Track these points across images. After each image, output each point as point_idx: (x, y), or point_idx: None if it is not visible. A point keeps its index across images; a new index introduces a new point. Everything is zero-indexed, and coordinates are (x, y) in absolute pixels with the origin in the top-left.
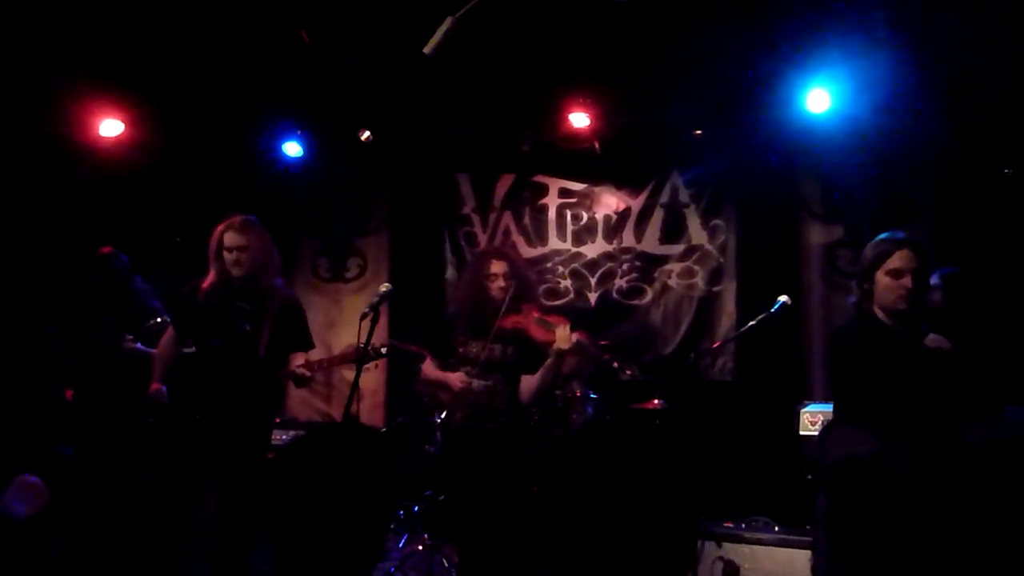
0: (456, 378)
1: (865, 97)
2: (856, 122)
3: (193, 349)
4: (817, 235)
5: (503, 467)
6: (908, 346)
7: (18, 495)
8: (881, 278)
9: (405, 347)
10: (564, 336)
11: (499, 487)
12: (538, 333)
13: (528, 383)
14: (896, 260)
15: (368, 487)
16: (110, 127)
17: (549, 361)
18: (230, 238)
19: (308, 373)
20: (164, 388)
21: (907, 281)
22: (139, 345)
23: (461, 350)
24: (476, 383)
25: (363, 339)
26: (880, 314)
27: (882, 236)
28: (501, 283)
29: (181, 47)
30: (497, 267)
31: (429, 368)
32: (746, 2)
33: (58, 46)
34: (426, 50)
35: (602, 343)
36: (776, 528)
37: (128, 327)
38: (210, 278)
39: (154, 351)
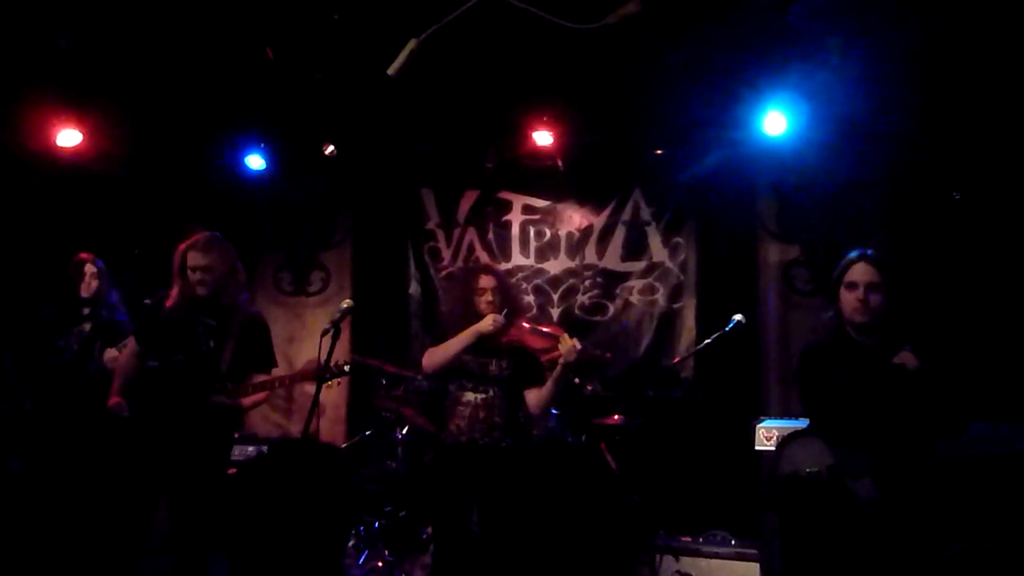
0: (487, 321)
1: (820, 120)
2: (812, 144)
3: (156, 363)
4: (774, 254)
5: (494, 484)
6: (873, 361)
7: None
8: (842, 292)
9: (367, 362)
10: (568, 347)
11: (489, 503)
12: (534, 342)
13: (537, 395)
14: (852, 273)
15: (325, 503)
16: (68, 137)
17: (557, 372)
18: (193, 258)
19: (227, 402)
20: (124, 402)
21: (860, 293)
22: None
23: (456, 364)
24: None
25: (324, 356)
26: (849, 329)
27: (849, 254)
28: (489, 297)
29: (144, 57)
30: (485, 282)
31: (433, 350)
32: (707, 28)
33: (16, 56)
34: (391, 71)
35: (602, 355)
36: (733, 542)
37: (106, 338)
38: (174, 294)
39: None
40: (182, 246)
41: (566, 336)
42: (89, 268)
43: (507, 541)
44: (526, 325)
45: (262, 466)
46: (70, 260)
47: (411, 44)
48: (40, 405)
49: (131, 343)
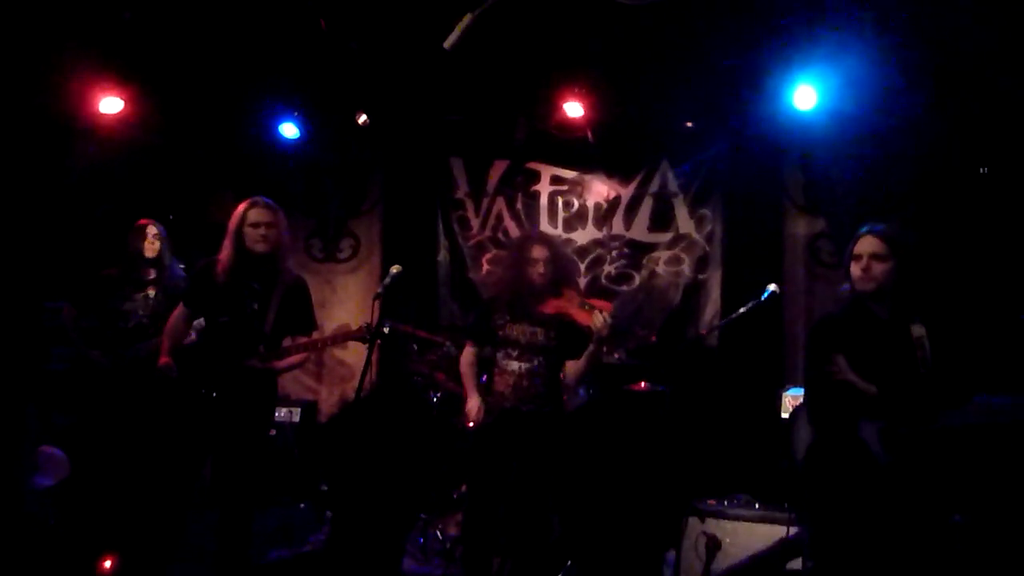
0: (472, 408)
1: (850, 94)
2: (840, 118)
3: (202, 324)
4: (800, 226)
5: (536, 450)
6: (883, 330)
7: (41, 467)
8: (851, 264)
9: (399, 327)
10: (599, 321)
11: (530, 469)
12: (581, 317)
13: (574, 367)
14: (858, 246)
15: (414, 450)
16: (110, 104)
17: (591, 348)
18: (256, 214)
19: (259, 364)
20: (172, 362)
21: (864, 263)
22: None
23: (501, 333)
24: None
25: (374, 319)
26: (863, 300)
27: (859, 229)
28: (541, 268)
29: (182, 27)
30: (539, 252)
31: (466, 361)
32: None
33: (64, 25)
34: (446, 45)
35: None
36: (756, 505)
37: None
38: (225, 255)
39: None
40: (241, 206)
41: (598, 312)
42: (151, 230)
43: (541, 503)
44: (577, 299)
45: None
46: (131, 225)
47: (466, 18)
48: (110, 359)
49: (180, 305)
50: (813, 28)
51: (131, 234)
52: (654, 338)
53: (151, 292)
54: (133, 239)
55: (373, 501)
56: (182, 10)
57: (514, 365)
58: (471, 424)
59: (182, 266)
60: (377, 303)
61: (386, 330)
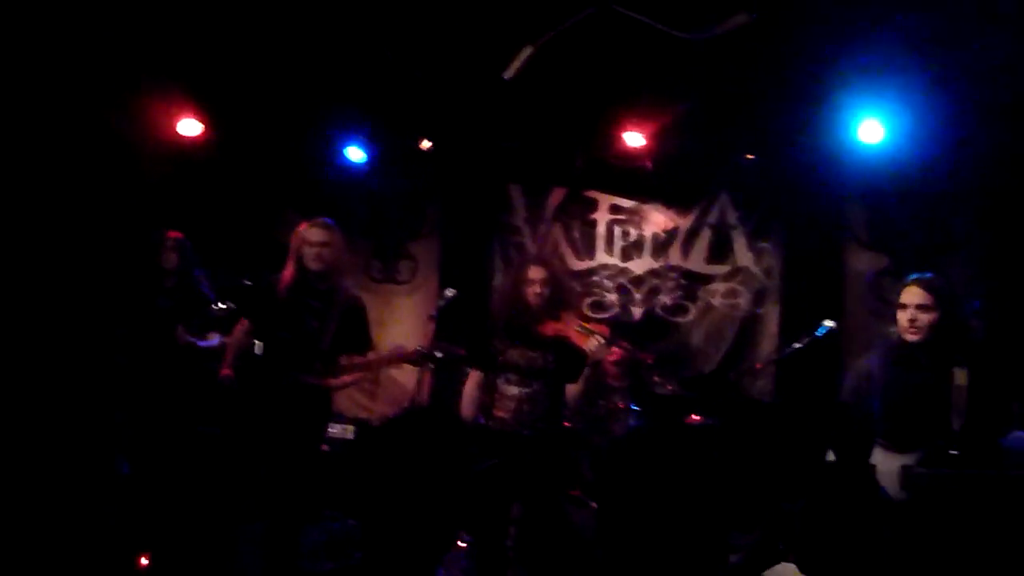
0: None
1: (917, 129)
2: (905, 153)
3: (263, 340)
4: (862, 263)
5: (538, 473)
6: (923, 377)
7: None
8: (897, 312)
9: (452, 350)
10: (594, 345)
11: (532, 492)
12: (579, 340)
13: (573, 391)
14: (905, 295)
15: (447, 469)
16: (188, 127)
17: (587, 372)
18: (313, 234)
19: (314, 381)
20: (232, 374)
21: (909, 314)
22: (200, 342)
23: (501, 358)
24: None
25: (427, 341)
26: (904, 346)
27: (911, 275)
28: (537, 289)
29: (257, 55)
30: (535, 273)
31: (472, 389)
32: (806, 31)
33: (142, 51)
34: (506, 75)
35: (646, 357)
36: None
37: (183, 312)
38: (287, 274)
39: (208, 343)
40: (302, 225)
41: (598, 336)
42: (169, 241)
43: (555, 524)
44: (576, 323)
45: (393, 432)
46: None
47: (526, 50)
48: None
49: (243, 320)
50: (880, 62)
51: (162, 242)
52: (650, 359)
53: (166, 300)
54: (157, 248)
55: (407, 519)
56: (257, 40)
57: (514, 390)
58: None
59: (203, 276)
60: (431, 324)
61: (439, 355)
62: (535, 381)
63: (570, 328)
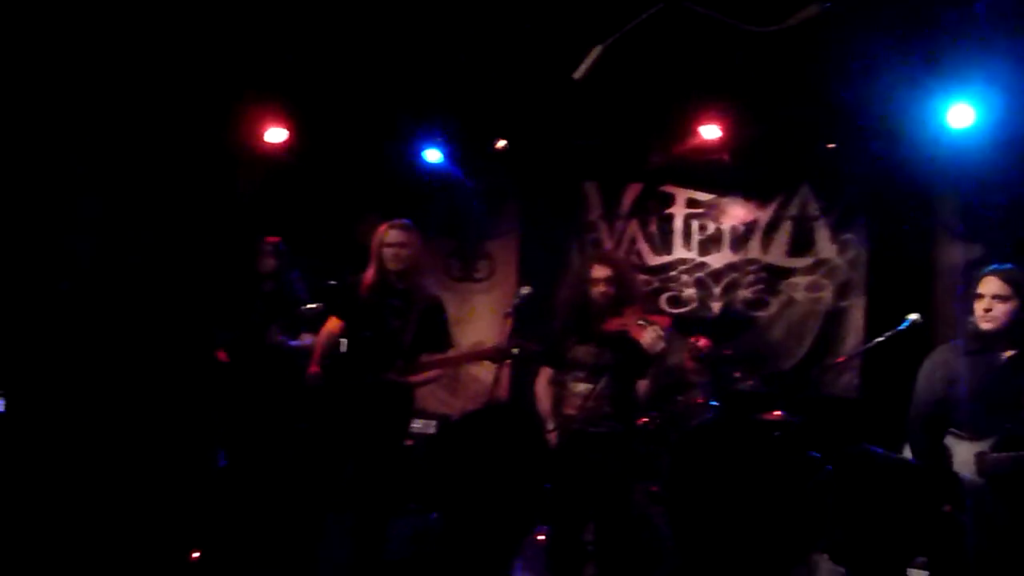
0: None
1: (1010, 113)
2: (999, 138)
3: (347, 339)
4: (954, 253)
5: (607, 470)
6: (999, 368)
7: None
8: (974, 302)
9: (529, 347)
10: (650, 337)
11: (603, 489)
12: (638, 334)
13: (643, 387)
14: (982, 285)
15: (524, 466)
16: (275, 134)
17: (651, 368)
18: (392, 236)
19: (396, 378)
20: (320, 372)
21: (985, 303)
22: (291, 342)
23: (568, 355)
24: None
25: (503, 338)
26: (978, 336)
27: (989, 266)
28: (602, 288)
29: (336, 62)
30: (599, 271)
31: (543, 386)
32: (885, 15)
33: (233, 63)
34: (576, 75)
35: (726, 353)
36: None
37: (278, 314)
38: (368, 274)
39: (299, 343)
40: (382, 227)
41: (652, 327)
42: (266, 247)
43: (626, 522)
44: (636, 315)
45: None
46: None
47: (596, 49)
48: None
49: (332, 319)
50: (967, 42)
51: (255, 248)
52: (790, 366)
53: (263, 301)
54: (256, 253)
55: (486, 512)
56: (337, 49)
57: (580, 387)
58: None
59: (298, 278)
60: (507, 322)
61: (515, 351)
62: (601, 377)
63: (631, 323)
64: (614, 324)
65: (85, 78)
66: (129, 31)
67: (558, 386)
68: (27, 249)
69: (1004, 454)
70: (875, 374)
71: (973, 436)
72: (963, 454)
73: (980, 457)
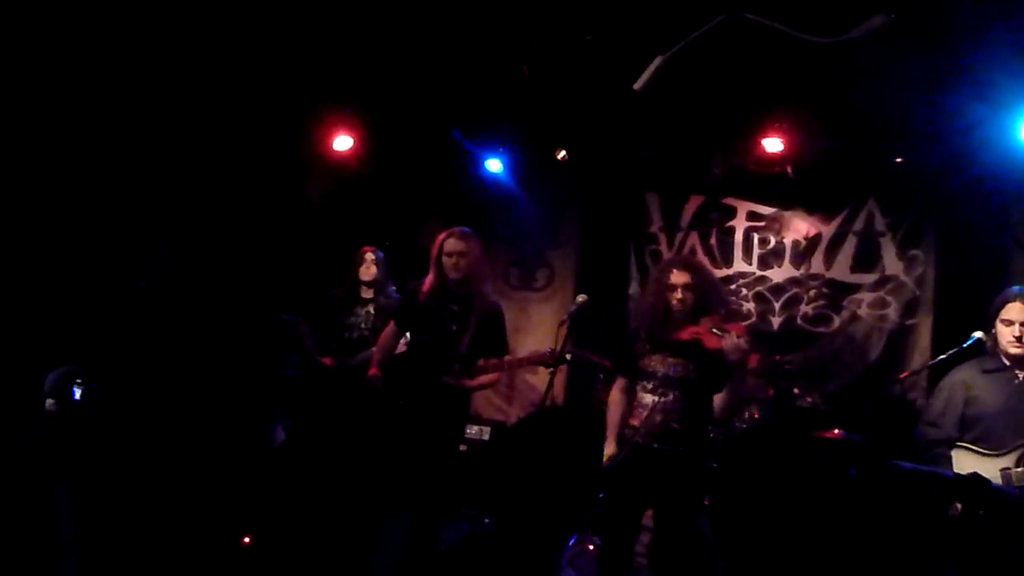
0: (607, 453)
1: None
2: None
3: (407, 341)
4: None
5: (668, 487)
6: (1015, 379)
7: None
8: (998, 325)
9: (586, 356)
10: (729, 343)
11: (662, 504)
12: (711, 342)
13: (720, 400)
14: (1009, 311)
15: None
16: (342, 142)
17: (735, 376)
18: (451, 244)
19: (452, 382)
20: (380, 374)
21: (1015, 330)
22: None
23: (640, 363)
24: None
25: (558, 344)
26: (1003, 357)
27: (1012, 288)
28: (679, 294)
29: (403, 75)
30: (678, 277)
31: (613, 395)
32: (957, 23)
33: (309, 76)
34: (636, 86)
35: (785, 366)
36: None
37: (385, 321)
38: (429, 280)
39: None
40: (441, 235)
41: (733, 334)
42: (369, 256)
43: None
44: (711, 322)
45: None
46: (356, 251)
47: (657, 60)
48: (337, 367)
49: (391, 323)
50: None
51: (356, 256)
52: (789, 366)
53: (370, 309)
54: (356, 263)
55: (533, 509)
56: (404, 59)
57: (648, 398)
58: (605, 465)
59: (394, 287)
60: (562, 329)
61: (568, 357)
62: (672, 390)
63: (704, 332)
64: (687, 333)
65: (166, 94)
66: (202, 47)
67: (628, 394)
68: (110, 250)
69: None
70: None
71: (995, 452)
72: (987, 470)
73: (1005, 473)
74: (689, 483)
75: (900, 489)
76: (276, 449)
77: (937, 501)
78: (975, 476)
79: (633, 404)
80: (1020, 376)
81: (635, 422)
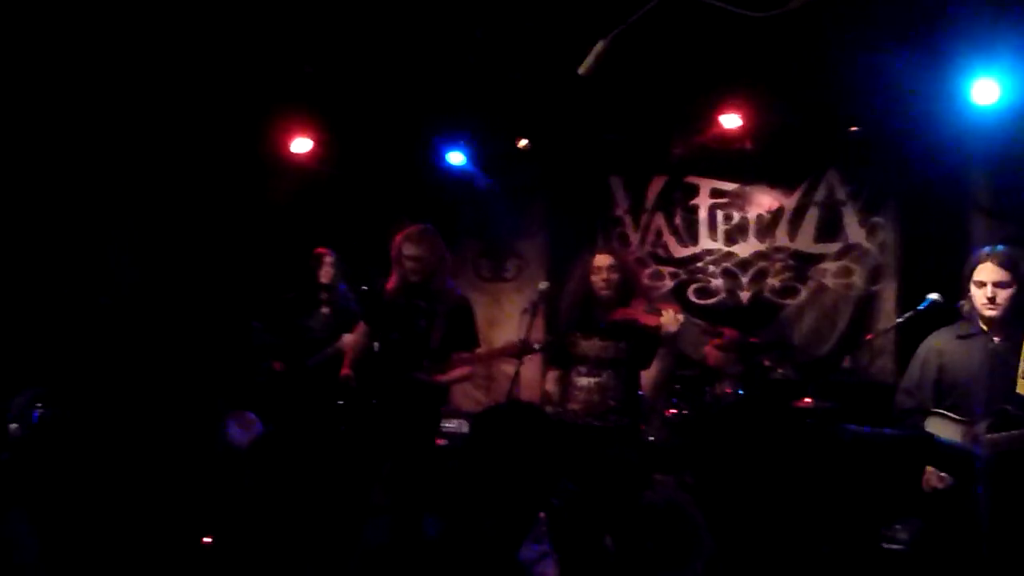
0: None
1: None
2: None
3: (377, 341)
4: (986, 232)
5: (609, 466)
6: (994, 352)
7: (238, 427)
8: (971, 287)
9: (548, 343)
10: (670, 318)
11: (605, 485)
12: (648, 320)
13: (648, 377)
14: (981, 272)
15: (533, 462)
16: (300, 144)
17: (662, 349)
18: (407, 248)
19: (424, 378)
20: (352, 375)
21: (988, 291)
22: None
23: (572, 350)
24: None
25: (523, 334)
26: (979, 321)
27: (983, 248)
28: (604, 276)
29: (358, 70)
30: (601, 260)
31: (550, 386)
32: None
33: (262, 78)
34: (581, 71)
35: (753, 341)
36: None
37: (340, 324)
38: (393, 279)
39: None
40: (398, 237)
41: (671, 310)
42: (327, 259)
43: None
44: (642, 303)
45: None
46: (310, 253)
47: (600, 45)
48: (291, 369)
49: (361, 323)
50: (988, 14)
51: (311, 258)
52: (823, 353)
53: (324, 311)
54: (312, 264)
55: (490, 501)
56: (355, 57)
57: (584, 381)
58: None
59: (345, 287)
60: (526, 317)
61: (536, 346)
62: (605, 370)
63: (638, 312)
64: (619, 314)
65: (121, 100)
66: (155, 51)
67: (563, 383)
68: (69, 265)
69: (1002, 434)
70: (906, 359)
71: (968, 418)
72: (959, 436)
73: (977, 438)
74: (632, 453)
75: (852, 452)
76: (246, 450)
77: (890, 461)
78: (920, 433)
79: (569, 390)
80: (995, 340)
81: (574, 405)
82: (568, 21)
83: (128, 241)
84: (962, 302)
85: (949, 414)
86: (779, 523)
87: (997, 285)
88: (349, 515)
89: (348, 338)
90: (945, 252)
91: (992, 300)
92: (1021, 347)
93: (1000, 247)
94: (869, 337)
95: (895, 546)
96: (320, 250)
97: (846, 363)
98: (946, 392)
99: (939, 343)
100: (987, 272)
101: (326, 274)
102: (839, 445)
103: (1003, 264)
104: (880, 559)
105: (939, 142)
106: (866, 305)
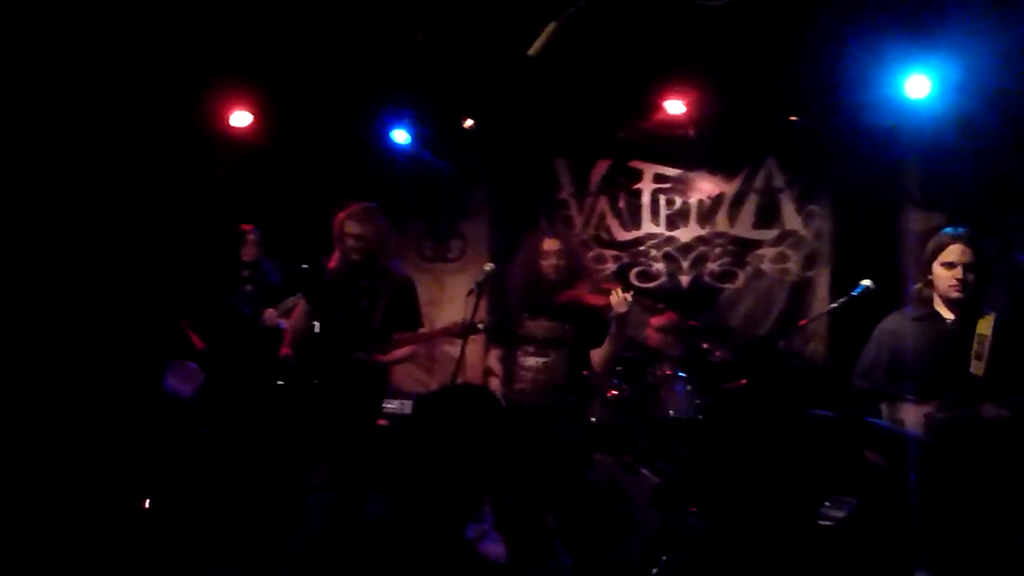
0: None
1: (968, 82)
2: (958, 107)
3: (318, 320)
4: (916, 222)
5: (559, 444)
6: (950, 333)
7: (178, 378)
8: (937, 269)
9: (492, 324)
10: (618, 299)
11: (547, 463)
12: (594, 299)
13: (598, 354)
14: (949, 253)
15: (479, 445)
16: (240, 118)
17: (612, 329)
18: (349, 227)
19: (366, 358)
20: (292, 354)
21: (958, 272)
22: (281, 323)
23: (519, 331)
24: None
25: (468, 315)
26: (938, 301)
27: (944, 230)
28: (553, 261)
29: (300, 45)
30: (549, 245)
31: (493, 362)
32: None
33: (200, 48)
34: (531, 52)
35: (691, 324)
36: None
37: (264, 300)
38: (335, 257)
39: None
40: (341, 215)
41: (618, 289)
42: (250, 236)
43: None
44: (588, 284)
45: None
46: (234, 230)
47: (550, 27)
48: (214, 348)
49: (302, 301)
50: (921, 11)
51: (235, 238)
52: (694, 322)
53: (247, 288)
54: (236, 243)
55: (436, 486)
56: (301, 31)
57: (531, 361)
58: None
59: (269, 264)
60: (471, 298)
61: (480, 326)
62: (552, 351)
63: (584, 292)
64: (566, 296)
65: (52, 68)
66: (89, 18)
67: (508, 362)
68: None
69: (949, 413)
70: (841, 342)
71: (920, 399)
72: (911, 416)
73: (927, 418)
74: (575, 430)
75: (788, 434)
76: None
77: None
78: (852, 415)
79: (515, 370)
80: (948, 320)
81: (521, 385)
82: (516, 1)
83: (58, 215)
84: (917, 285)
85: (903, 396)
86: (736, 502)
87: (966, 267)
88: (289, 495)
89: (271, 312)
90: (876, 240)
91: (961, 281)
92: (975, 328)
93: (961, 229)
94: (803, 323)
95: (828, 523)
96: (244, 227)
97: (781, 346)
98: (900, 375)
99: (893, 326)
100: (956, 253)
101: (248, 252)
102: (785, 428)
103: (970, 245)
104: (814, 536)
105: (873, 134)
106: (801, 290)
